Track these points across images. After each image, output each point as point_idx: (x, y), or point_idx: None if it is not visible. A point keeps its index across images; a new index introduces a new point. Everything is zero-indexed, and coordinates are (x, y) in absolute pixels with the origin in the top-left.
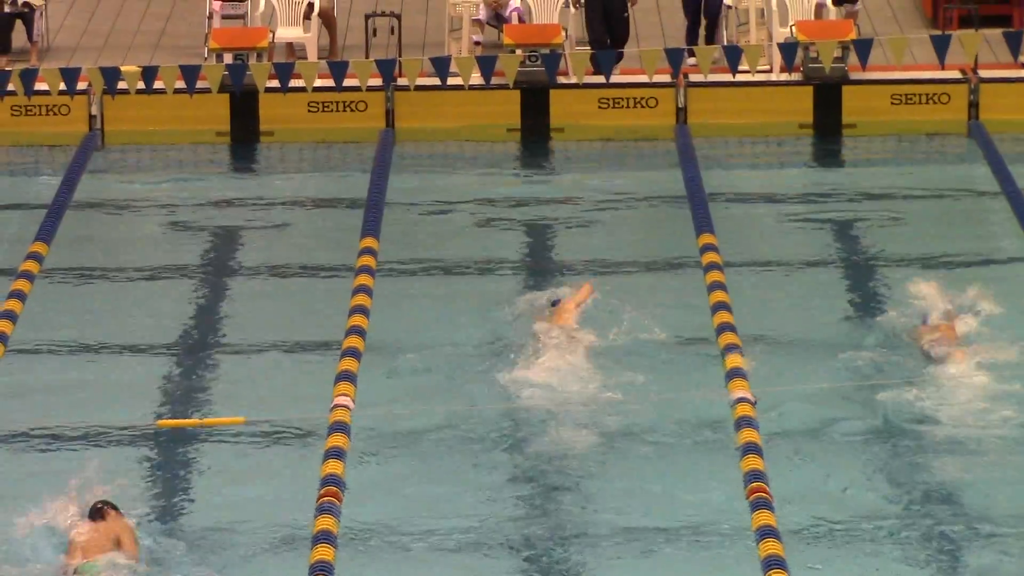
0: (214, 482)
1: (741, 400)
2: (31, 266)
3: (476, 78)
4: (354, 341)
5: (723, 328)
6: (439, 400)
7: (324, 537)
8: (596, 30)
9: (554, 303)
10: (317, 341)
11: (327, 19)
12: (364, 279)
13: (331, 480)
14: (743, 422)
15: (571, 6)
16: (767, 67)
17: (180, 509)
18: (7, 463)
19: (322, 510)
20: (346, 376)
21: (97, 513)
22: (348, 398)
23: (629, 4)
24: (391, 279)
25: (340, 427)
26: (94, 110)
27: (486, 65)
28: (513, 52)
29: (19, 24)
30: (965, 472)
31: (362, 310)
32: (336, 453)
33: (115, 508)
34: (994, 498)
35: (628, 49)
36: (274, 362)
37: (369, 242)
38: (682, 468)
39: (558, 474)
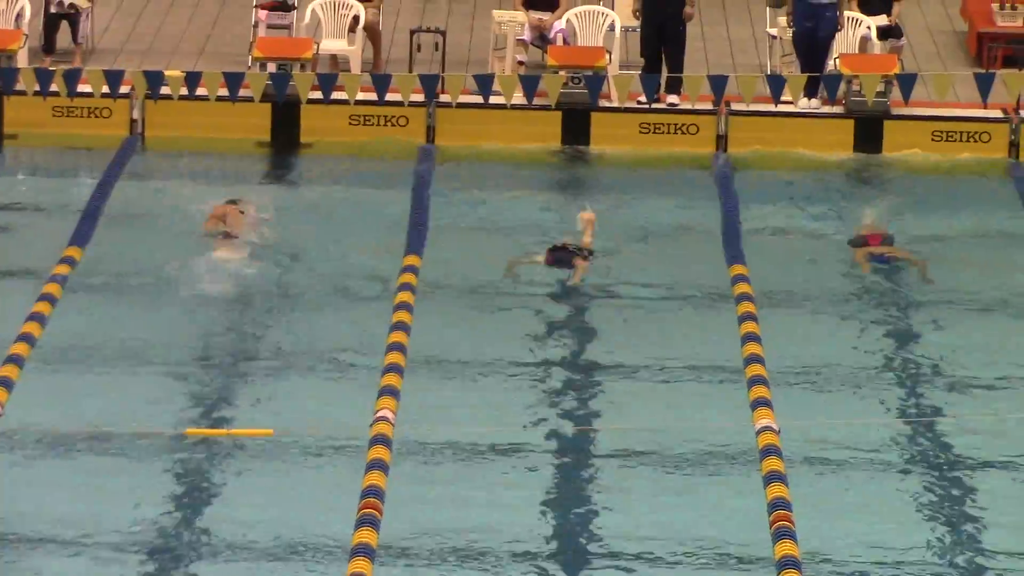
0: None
1: (766, 429)
2: (63, 269)
3: (518, 97)
4: (395, 357)
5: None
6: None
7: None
8: (649, 46)
9: None
10: (357, 356)
11: (372, 33)
12: (405, 296)
13: (372, 492)
14: (768, 451)
15: (615, 29)
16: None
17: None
18: (38, 470)
19: (362, 522)
20: (389, 391)
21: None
22: (390, 411)
23: (684, 19)
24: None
25: (381, 440)
26: (135, 114)
27: (529, 85)
28: (556, 73)
29: (64, 25)
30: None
31: (403, 327)
32: (378, 465)
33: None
34: None
35: (672, 75)
36: (312, 375)
37: (411, 259)
38: (704, 496)
39: (575, 496)
